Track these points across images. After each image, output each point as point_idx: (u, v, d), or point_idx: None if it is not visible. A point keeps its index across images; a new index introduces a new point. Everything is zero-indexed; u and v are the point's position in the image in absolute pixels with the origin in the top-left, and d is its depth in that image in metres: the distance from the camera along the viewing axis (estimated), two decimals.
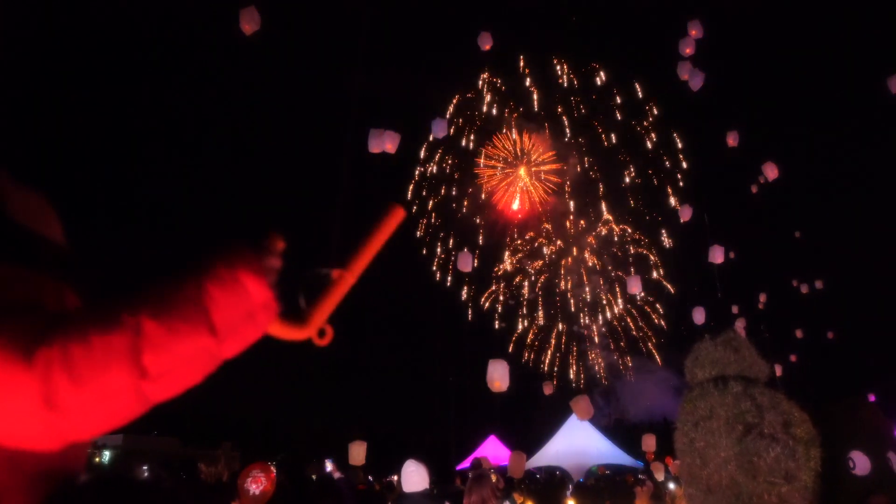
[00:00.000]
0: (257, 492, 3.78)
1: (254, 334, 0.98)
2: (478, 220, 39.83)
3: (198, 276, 0.92)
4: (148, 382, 0.87)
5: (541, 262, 41.05)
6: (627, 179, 38.62)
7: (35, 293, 0.96)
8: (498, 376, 8.44)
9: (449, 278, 39.61)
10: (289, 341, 1.06)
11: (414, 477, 3.72)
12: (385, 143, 9.96)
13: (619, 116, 38.04)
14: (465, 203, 40.16)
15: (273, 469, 4.02)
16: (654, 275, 37.36)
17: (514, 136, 41.34)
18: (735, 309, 20.41)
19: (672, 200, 35.77)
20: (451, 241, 39.23)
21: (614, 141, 38.30)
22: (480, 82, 39.06)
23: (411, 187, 39.90)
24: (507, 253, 41.15)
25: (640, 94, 36.99)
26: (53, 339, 0.83)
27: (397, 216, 1.14)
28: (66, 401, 0.82)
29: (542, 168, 41.98)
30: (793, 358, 22.03)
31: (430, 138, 36.92)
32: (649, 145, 37.57)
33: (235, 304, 0.94)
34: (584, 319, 40.11)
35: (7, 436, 0.85)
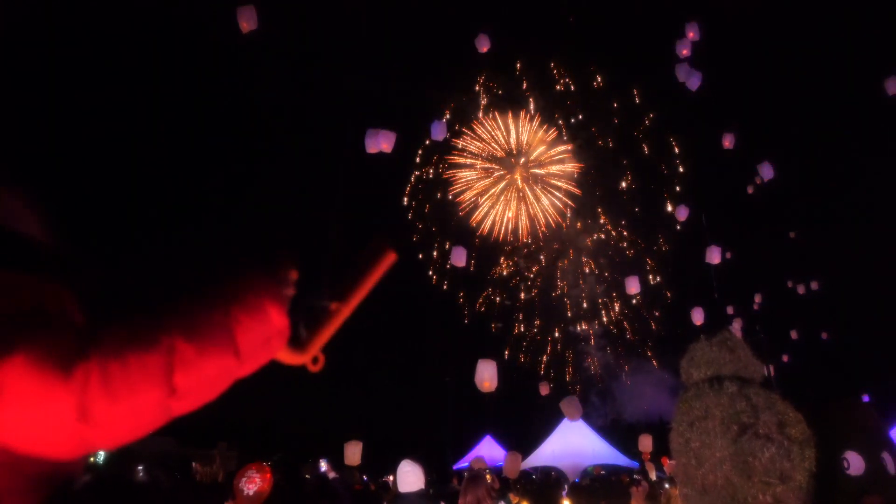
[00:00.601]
0: (252, 492, 3.78)
1: (267, 357, 1.06)
2: (472, 223, 39.46)
3: (227, 301, 0.99)
4: (175, 399, 0.92)
5: (537, 267, 40.66)
6: (624, 184, 38.31)
7: (49, 300, 0.98)
8: (487, 376, 8.43)
9: (445, 283, 39.45)
10: (286, 364, 1.14)
11: (409, 477, 3.72)
12: (381, 142, 9.96)
13: (616, 121, 37.77)
14: (460, 204, 39.57)
15: (269, 469, 4.01)
16: (651, 276, 37.23)
17: (510, 125, 39.59)
18: (731, 310, 20.47)
19: (669, 206, 35.46)
20: (448, 243, 38.75)
21: (611, 144, 38.03)
22: (477, 86, 38.44)
23: (408, 189, 39.39)
24: (502, 258, 40.68)
25: (637, 96, 36.87)
26: (92, 355, 0.86)
27: (388, 259, 1.23)
28: (99, 415, 0.86)
29: (548, 169, 40.60)
30: (784, 358, 22.10)
31: (427, 142, 36.47)
32: (646, 150, 37.39)
33: (259, 330, 1.00)
34: (581, 321, 40.13)
35: (36, 444, 0.88)
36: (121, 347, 0.88)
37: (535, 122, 39.17)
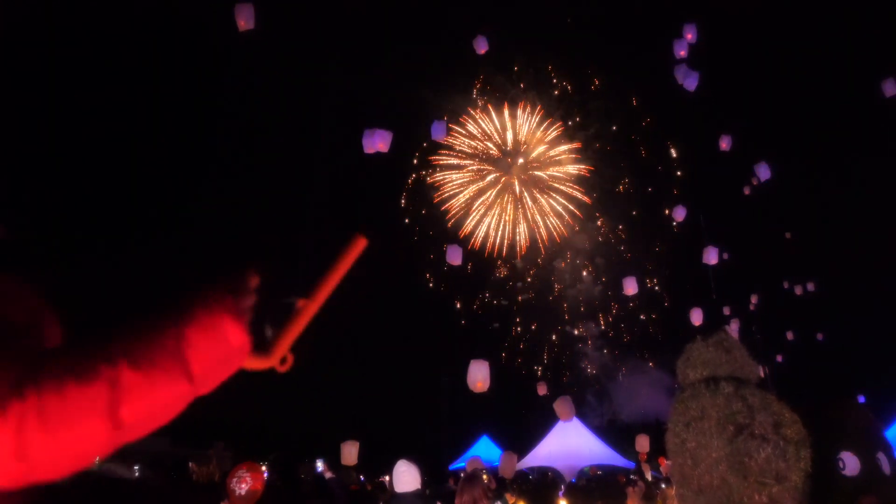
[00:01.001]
0: (243, 492, 3.77)
1: (227, 375, 0.99)
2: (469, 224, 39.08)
3: (177, 322, 0.92)
4: (122, 432, 0.87)
5: (534, 270, 40.27)
6: (621, 187, 37.94)
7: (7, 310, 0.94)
8: (480, 377, 8.42)
9: (442, 286, 39.26)
10: (252, 370, 1.07)
11: (405, 477, 3.71)
12: (377, 142, 9.95)
13: (614, 128, 37.40)
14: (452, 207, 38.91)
15: (263, 469, 4.00)
16: (647, 278, 37.08)
17: (506, 121, 37.22)
18: (727, 310, 20.52)
19: (666, 210, 34.96)
20: (445, 245, 38.31)
21: (608, 148, 37.70)
22: (475, 91, 37.52)
23: (405, 193, 38.88)
24: (499, 260, 40.16)
25: (635, 98, 36.77)
26: (27, 391, 0.81)
27: (358, 246, 1.16)
28: (37, 453, 0.82)
29: (550, 171, 38.46)
30: (779, 358, 22.16)
31: (424, 145, 35.98)
32: (644, 152, 37.21)
33: (214, 350, 0.94)
34: (579, 321, 40.09)
35: None
36: (59, 379, 0.82)
37: (535, 117, 37.80)
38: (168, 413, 0.92)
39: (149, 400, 0.87)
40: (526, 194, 39.42)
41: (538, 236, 39.37)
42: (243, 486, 3.79)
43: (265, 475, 3.97)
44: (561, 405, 11.23)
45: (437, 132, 15.38)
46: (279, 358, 1.08)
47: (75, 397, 0.82)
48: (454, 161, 38.68)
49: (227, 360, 0.97)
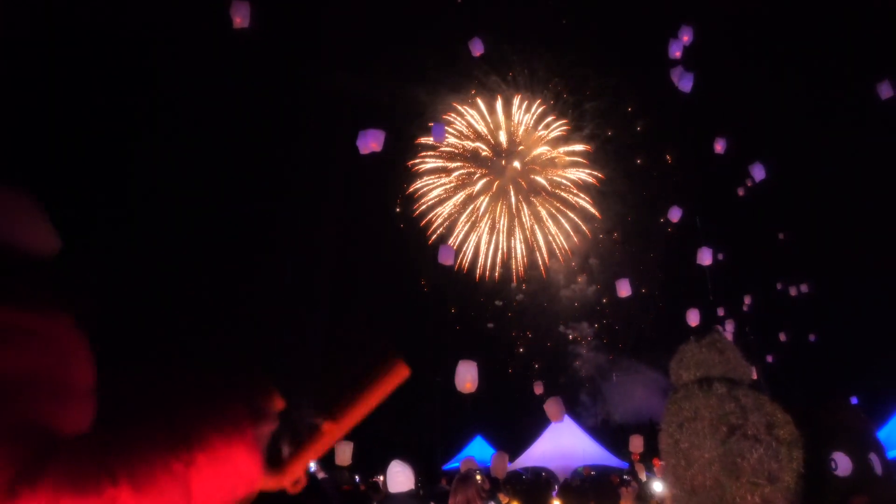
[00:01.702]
0: None
1: (226, 502, 0.89)
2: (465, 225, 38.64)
3: (188, 445, 0.82)
4: None
5: (523, 271, 39.88)
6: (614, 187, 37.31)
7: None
8: (469, 378, 8.40)
9: (433, 284, 39.04)
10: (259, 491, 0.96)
11: (399, 477, 3.71)
12: (370, 142, 9.92)
13: (609, 132, 36.84)
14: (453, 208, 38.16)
15: None
16: (641, 278, 36.86)
17: (499, 118, 34.51)
18: (721, 311, 20.61)
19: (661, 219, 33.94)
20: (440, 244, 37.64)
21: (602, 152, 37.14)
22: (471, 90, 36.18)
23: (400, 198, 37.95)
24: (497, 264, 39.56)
25: (630, 99, 36.55)
26: (22, 497, 0.73)
27: (400, 373, 1.06)
28: None
29: (552, 175, 36.28)
30: (769, 359, 22.26)
31: (417, 142, 35.23)
32: (640, 155, 36.85)
33: (222, 479, 0.85)
34: (573, 322, 40.12)
35: None
36: (58, 491, 0.74)
37: (534, 113, 35.71)
38: None
39: None
40: (524, 207, 37.18)
41: (538, 253, 37.57)
42: None
43: None
44: (551, 406, 11.24)
45: (438, 134, 15.29)
46: (292, 480, 0.99)
47: None
48: (440, 164, 36.34)
49: (232, 488, 0.87)
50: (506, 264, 37.61)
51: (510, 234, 37.00)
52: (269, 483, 0.96)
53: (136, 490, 0.76)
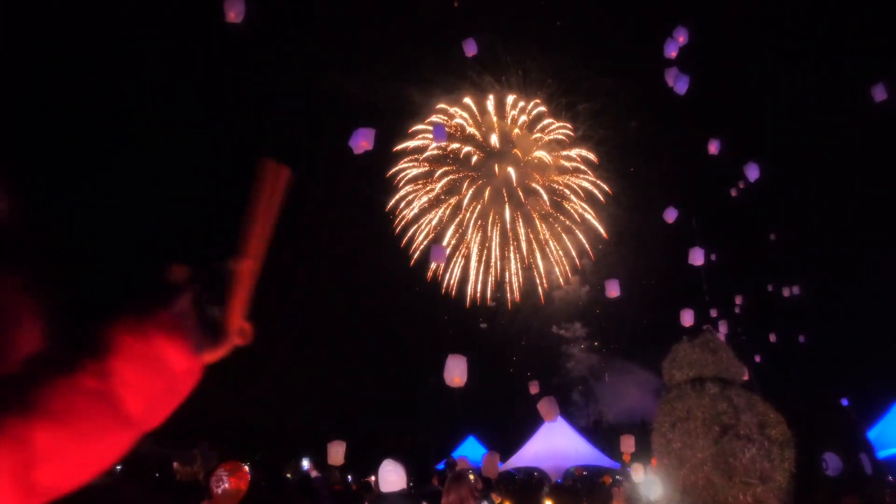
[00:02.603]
0: (220, 491, 3.76)
1: (179, 400, 0.85)
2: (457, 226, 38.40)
3: (98, 357, 0.75)
4: (39, 496, 0.70)
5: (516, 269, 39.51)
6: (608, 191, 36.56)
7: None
8: (457, 372, 8.39)
9: (430, 280, 38.91)
10: (215, 360, 0.94)
11: (391, 476, 3.70)
12: (360, 140, 9.87)
13: (602, 132, 36.35)
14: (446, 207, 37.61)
15: (245, 468, 3.99)
16: (636, 279, 36.55)
17: (491, 117, 32.40)
18: (714, 312, 20.67)
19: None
20: (430, 242, 37.09)
21: (594, 158, 36.56)
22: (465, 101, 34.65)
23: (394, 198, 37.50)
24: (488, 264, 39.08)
25: (626, 100, 36.32)
26: None
27: (279, 174, 1.00)
28: None
29: (552, 181, 34.55)
30: (757, 359, 22.33)
31: (408, 148, 34.21)
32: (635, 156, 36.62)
33: (154, 382, 0.79)
34: (566, 322, 40.13)
35: None
36: None
37: (529, 110, 33.91)
38: (107, 459, 0.77)
39: (74, 457, 0.72)
40: (520, 221, 35.15)
41: (536, 276, 35.53)
42: (220, 485, 3.78)
43: (248, 475, 3.96)
44: (545, 405, 11.23)
45: (439, 135, 15.16)
46: (235, 334, 0.95)
47: None
48: (427, 168, 34.31)
49: (173, 387, 0.82)
50: (499, 285, 35.79)
51: (503, 250, 34.89)
52: (217, 353, 0.93)
53: (54, 423, 0.70)
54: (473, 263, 35.07)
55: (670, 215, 17.81)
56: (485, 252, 34.99)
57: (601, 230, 33.96)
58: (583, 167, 34.52)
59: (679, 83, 11.60)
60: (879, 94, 12.04)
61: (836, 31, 29.25)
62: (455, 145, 34.50)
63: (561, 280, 34.19)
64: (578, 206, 34.27)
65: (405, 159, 34.53)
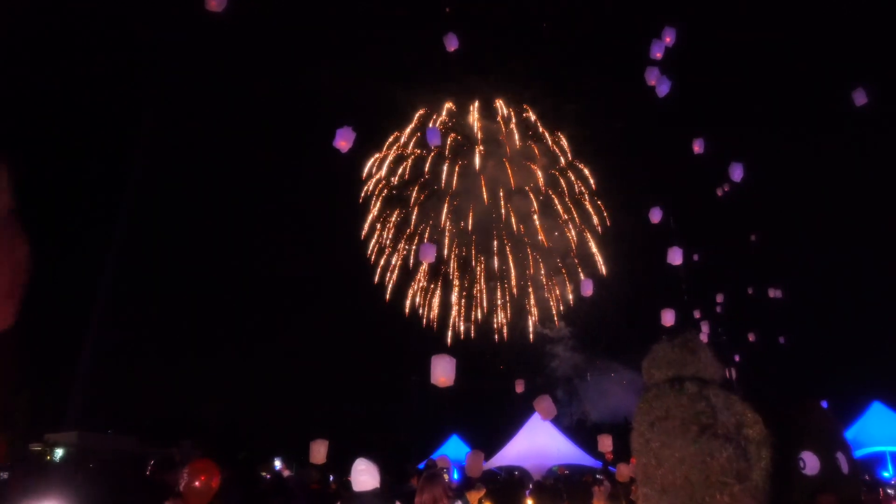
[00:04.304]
0: (184, 488, 3.73)
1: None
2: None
3: None
4: None
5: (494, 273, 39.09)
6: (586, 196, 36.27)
7: None
8: (443, 372, 8.35)
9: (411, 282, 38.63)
10: None
11: (363, 476, 3.63)
12: (339, 141, 9.75)
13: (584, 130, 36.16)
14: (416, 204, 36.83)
15: (212, 466, 3.93)
16: (620, 278, 36.53)
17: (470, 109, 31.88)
18: (698, 314, 20.80)
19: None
20: (416, 239, 36.64)
21: (569, 157, 36.25)
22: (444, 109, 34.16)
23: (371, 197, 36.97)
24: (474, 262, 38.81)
25: (608, 101, 36.29)
26: None
27: None
28: None
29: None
30: (737, 358, 22.53)
31: (391, 152, 33.71)
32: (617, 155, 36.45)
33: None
34: (550, 321, 40.15)
35: None
36: None
37: (514, 118, 33.40)
38: None
39: None
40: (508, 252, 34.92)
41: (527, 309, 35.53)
42: (185, 483, 3.76)
43: (218, 473, 3.90)
44: (542, 404, 11.23)
45: (432, 137, 14.91)
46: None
47: None
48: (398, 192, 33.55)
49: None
50: (486, 317, 35.45)
51: (489, 284, 34.13)
52: None
53: None
54: (454, 297, 34.60)
55: (655, 215, 17.88)
56: (466, 291, 34.71)
57: (602, 268, 33.57)
58: (576, 185, 34.31)
59: (661, 85, 11.62)
60: (859, 98, 12.15)
61: (820, 35, 29.61)
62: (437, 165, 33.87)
63: (555, 320, 33.76)
64: (574, 235, 34.31)
65: (378, 184, 34.04)
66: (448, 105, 32.82)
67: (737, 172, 14.02)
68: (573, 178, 34.15)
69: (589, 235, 34.37)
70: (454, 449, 26.33)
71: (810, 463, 2.84)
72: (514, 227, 33.56)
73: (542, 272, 34.63)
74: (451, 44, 13.19)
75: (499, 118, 35.92)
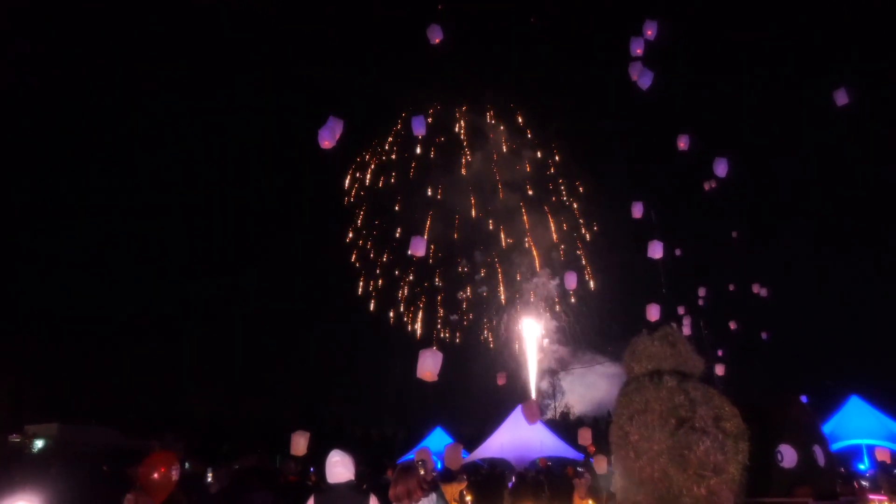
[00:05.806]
0: (142, 482, 3.70)
1: None
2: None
3: None
4: None
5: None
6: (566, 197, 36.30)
7: None
8: (429, 366, 8.31)
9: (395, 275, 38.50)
10: None
11: (337, 468, 3.56)
12: (325, 139, 9.61)
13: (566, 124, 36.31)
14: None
15: (176, 459, 3.87)
16: (594, 274, 36.66)
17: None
18: (682, 310, 20.87)
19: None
20: (399, 232, 36.61)
21: (557, 159, 36.35)
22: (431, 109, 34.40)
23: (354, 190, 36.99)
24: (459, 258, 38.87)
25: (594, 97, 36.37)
26: None
27: None
28: None
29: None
30: (720, 352, 22.68)
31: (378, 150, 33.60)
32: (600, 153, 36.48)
33: None
34: (534, 314, 40.22)
35: None
36: None
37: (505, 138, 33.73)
38: None
39: None
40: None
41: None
42: (142, 475, 3.74)
43: (177, 466, 3.85)
44: (529, 408, 11.24)
45: (418, 127, 14.79)
46: None
47: None
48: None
49: None
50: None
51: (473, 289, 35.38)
52: None
53: None
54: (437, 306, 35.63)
55: (637, 210, 17.93)
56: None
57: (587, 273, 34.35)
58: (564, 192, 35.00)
59: (643, 78, 11.59)
60: (841, 98, 12.21)
61: (804, 36, 29.83)
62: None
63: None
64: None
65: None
66: (436, 106, 33.58)
67: (721, 168, 14.06)
68: (560, 180, 34.63)
69: (576, 234, 34.92)
70: (438, 441, 26.36)
71: (788, 456, 2.84)
72: (501, 232, 34.06)
73: (529, 272, 35.14)
74: (435, 35, 13.03)
75: (487, 117, 36.12)
